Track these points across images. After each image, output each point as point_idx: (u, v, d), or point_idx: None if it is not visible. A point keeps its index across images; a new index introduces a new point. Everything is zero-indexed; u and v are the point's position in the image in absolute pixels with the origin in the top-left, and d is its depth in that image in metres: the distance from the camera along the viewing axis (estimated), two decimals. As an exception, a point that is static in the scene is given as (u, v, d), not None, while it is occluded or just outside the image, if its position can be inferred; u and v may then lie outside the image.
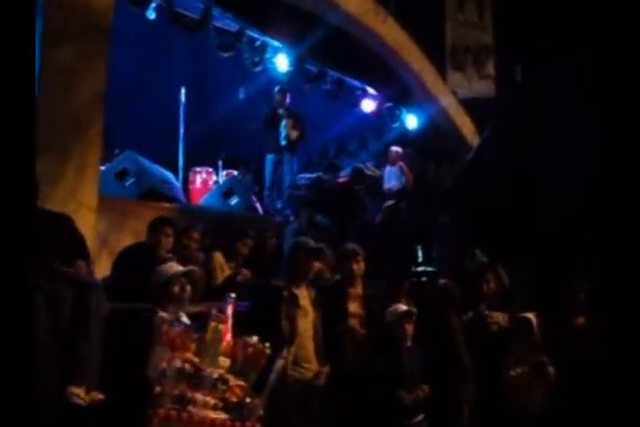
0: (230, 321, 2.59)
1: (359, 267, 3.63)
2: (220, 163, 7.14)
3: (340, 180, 6.86)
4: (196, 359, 2.40)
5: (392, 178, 7.79)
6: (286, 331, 3.13)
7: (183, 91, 6.08)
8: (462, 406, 3.52)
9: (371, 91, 7.69)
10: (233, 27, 5.83)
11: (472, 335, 3.77)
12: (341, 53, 6.78)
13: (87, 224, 3.88)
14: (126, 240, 4.19)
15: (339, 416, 3.15)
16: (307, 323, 3.24)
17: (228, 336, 2.56)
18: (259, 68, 6.12)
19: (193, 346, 2.44)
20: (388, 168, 7.88)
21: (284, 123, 6.48)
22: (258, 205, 6.10)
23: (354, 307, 3.55)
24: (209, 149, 7.36)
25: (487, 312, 3.95)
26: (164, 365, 2.24)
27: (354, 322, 3.50)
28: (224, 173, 6.98)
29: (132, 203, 4.68)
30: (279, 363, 2.45)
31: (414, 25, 7.24)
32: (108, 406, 2.17)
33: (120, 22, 5.75)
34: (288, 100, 6.64)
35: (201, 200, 5.98)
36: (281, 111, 6.51)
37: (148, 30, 5.83)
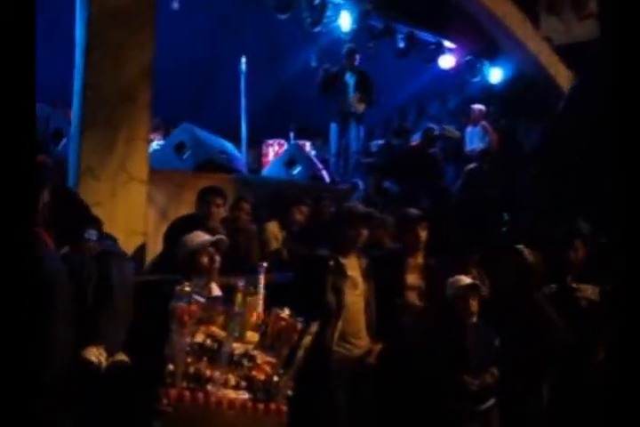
0: (262, 293, 2.36)
1: (422, 235, 3.26)
2: (292, 134, 6.95)
3: (413, 143, 6.37)
4: (222, 334, 2.21)
5: (474, 139, 7.15)
6: (332, 304, 2.86)
7: (244, 60, 5.88)
8: (542, 390, 3.06)
9: (447, 44, 7.00)
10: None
11: (557, 311, 3.25)
12: (410, 5, 6.18)
13: (138, 196, 3.84)
14: (184, 212, 4.13)
15: (391, 400, 2.84)
16: (356, 295, 2.94)
17: (259, 309, 2.35)
18: (318, 28, 5.76)
19: (220, 319, 2.26)
20: (469, 129, 7.24)
21: (351, 87, 6.10)
22: (324, 174, 5.82)
23: (412, 278, 3.20)
24: (281, 120, 7.19)
25: (575, 285, 3.39)
26: (182, 340, 2.05)
27: (412, 295, 3.15)
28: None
29: (188, 175, 4.62)
30: (307, 339, 2.18)
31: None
32: (129, 374, 2.04)
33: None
34: (357, 61, 6.23)
35: (263, 170, 5.83)
36: (347, 75, 6.11)
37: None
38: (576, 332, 3.16)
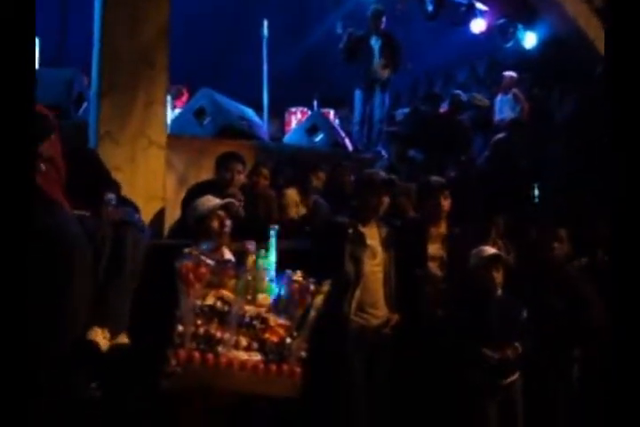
0: (274, 255, 2.31)
1: (445, 203, 3.14)
2: (315, 102, 6.79)
3: (441, 110, 6.13)
4: (232, 297, 2.18)
5: (505, 107, 6.85)
6: (350, 272, 2.80)
7: (266, 24, 5.69)
8: (571, 368, 2.97)
9: (479, 6, 6.65)
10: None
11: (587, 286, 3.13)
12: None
13: (157, 161, 3.79)
14: (204, 178, 4.08)
15: (409, 371, 2.79)
16: (375, 265, 2.87)
17: (271, 272, 2.30)
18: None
19: (231, 283, 2.22)
20: (500, 97, 6.93)
21: (376, 52, 5.87)
22: (347, 142, 5.68)
23: (434, 248, 3.10)
24: (305, 88, 7.02)
25: (607, 258, 3.24)
26: (190, 300, 2.02)
27: (433, 266, 3.07)
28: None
29: (208, 141, 4.55)
30: (318, 298, 2.13)
31: None
32: (132, 350, 2.01)
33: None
34: (383, 24, 5.97)
35: (285, 137, 5.71)
36: (373, 39, 5.87)
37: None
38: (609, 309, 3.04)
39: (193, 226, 2.48)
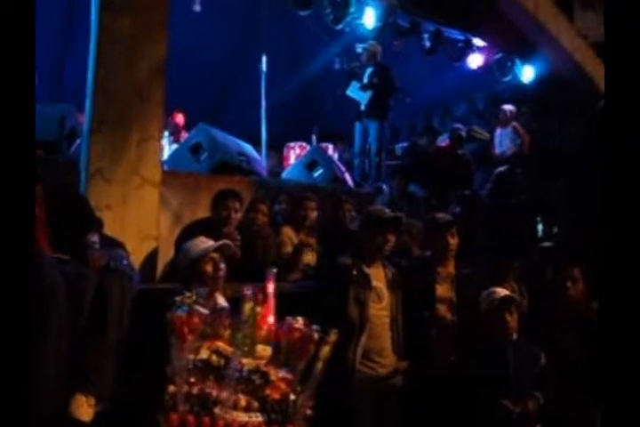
0: (272, 301, 2.12)
1: (452, 242, 2.99)
2: (314, 137, 6.74)
3: (441, 144, 6.07)
4: (228, 349, 1.98)
5: (505, 141, 6.81)
6: (355, 317, 2.60)
7: (264, 59, 5.69)
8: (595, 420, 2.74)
9: (476, 42, 6.68)
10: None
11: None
12: (437, 1, 5.91)
13: (151, 200, 3.64)
14: (200, 216, 3.93)
15: (419, 426, 2.56)
16: (381, 308, 2.69)
17: (270, 320, 2.11)
18: (341, 26, 5.52)
19: (226, 334, 2.02)
20: (499, 130, 6.89)
21: (365, 78, 5.89)
22: (347, 176, 5.57)
23: (443, 290, 2.93)
24: (303, 123, 6.99)
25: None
26: (183, 355, 1.82)
27: (443, 308, 2.88)
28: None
29: (204, 177, 4.42)
30: (325, 349, 1.93)
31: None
32: (120, 416, 1.80)
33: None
34: (378, 57, 6.00)
35: (284, 173, 5.61)
36: (367, 71, 5.90)
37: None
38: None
39: (185, 270, 2.30)
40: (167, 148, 5.53)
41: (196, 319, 1.96)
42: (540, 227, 5.83)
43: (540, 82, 6.90)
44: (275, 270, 2.19)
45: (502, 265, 3.14)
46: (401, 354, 2.67)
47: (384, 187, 5.44)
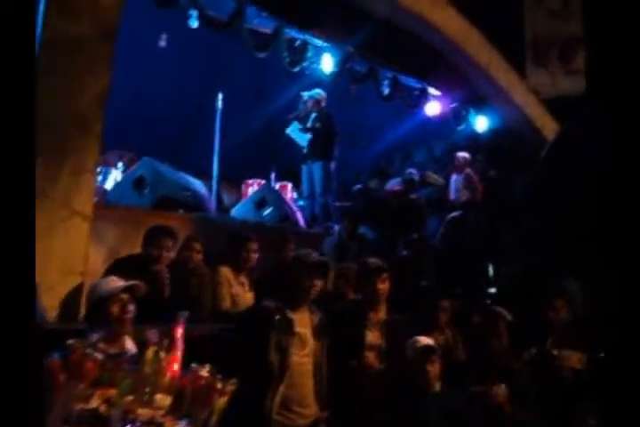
0: (180, 347, 2.00)
1: (382, 287, 2.95)
2: (273, 174, 6.72)
3: (394, 188, 6.12)
4: (127, 398, 1.84)
5: (459, 187, 6.93)
6: (275, 364, 2.48)
7: (220, 96, 5.72)
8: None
9: (432, 90, 6.90)
10: (270, 26, 5.40)
11: (536, 379, 2.89)
12: (394, 49, 6.11)
13: (80, 234, 3.51)
14: (138, 252, 3.79)
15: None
16: (303, 355, 2.57)
17: (175, 367, 1.98)
18: (297, 69, 5.62)
19: (127, 381, 1.89)
20: (454, 176, 7.03)
21: (306, 126, 5.99)
22: (298, 216, 5.53)
23: (373, 336, 2.85)
24: (264, 160, 6.99)
25: (556, 351, 3.03)
26: (58, 407, 1.68)
27: (371, 356, 2.79)
28: (277, 185, 6.56)
29: (144, 211, 4.30)
30: (221, 400, 1.81)
31: (485, 15, 6.40)
32: None
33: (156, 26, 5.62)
34: (323, 104, 6.16)
35: (233, 210, 5.53)
36: (312, 116, 6.03)
37: (185, 36, 5.57)
38: (556, 405, 2.79)
39: (91, 310, 2.17)
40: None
41: (89, 364, 1.83)
42: (490, 272, 5.85)
43: (492, 132, 7.13)
44: (186, 313, 2.09)
45: (432, 308, 3.09)
46: (324, 403, 2.55)
47: (335, 228, 5.41)
